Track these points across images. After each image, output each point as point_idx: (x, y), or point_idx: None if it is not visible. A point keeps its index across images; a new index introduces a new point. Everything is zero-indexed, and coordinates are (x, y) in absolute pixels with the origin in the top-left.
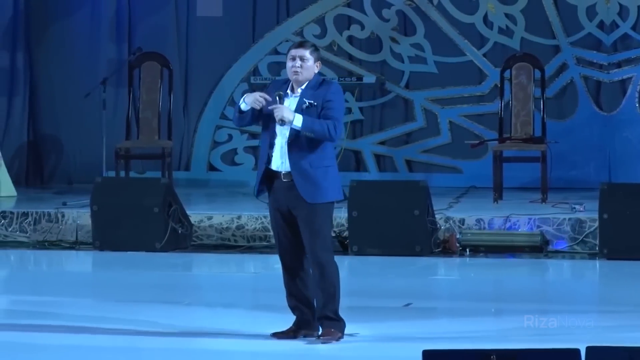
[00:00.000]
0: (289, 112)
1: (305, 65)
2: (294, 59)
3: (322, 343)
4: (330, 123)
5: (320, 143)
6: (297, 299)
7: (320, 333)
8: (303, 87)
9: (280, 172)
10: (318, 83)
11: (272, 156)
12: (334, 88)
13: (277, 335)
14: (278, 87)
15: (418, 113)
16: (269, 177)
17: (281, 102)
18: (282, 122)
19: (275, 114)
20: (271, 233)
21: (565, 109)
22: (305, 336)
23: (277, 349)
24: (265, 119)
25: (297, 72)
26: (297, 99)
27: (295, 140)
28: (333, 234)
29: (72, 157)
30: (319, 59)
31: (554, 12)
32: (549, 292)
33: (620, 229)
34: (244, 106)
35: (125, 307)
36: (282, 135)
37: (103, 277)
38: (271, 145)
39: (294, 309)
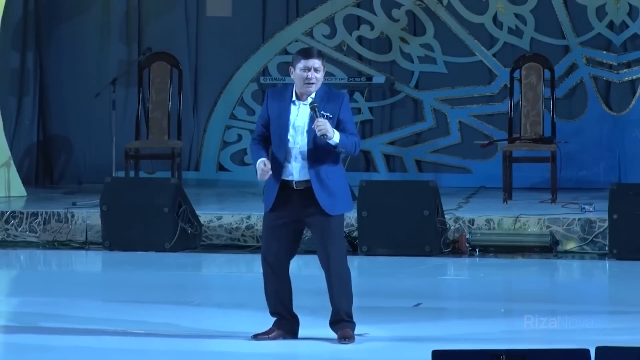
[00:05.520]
0: (331, 127)
1: (319, 76)
2: (308, 69)
3: (342, 343)
4: (357, 140)
5: (336, 154)
6: (282, 303)
7: (338, 334)
8: (312, 95)
9: (293, 180)
10: (326, 93)
11: (286, 167)
12: (345, 100)
13: (258, 337)
14: (278, 96)
15: (427, 113)
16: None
17: (317, 113)
18: (324, 137)
19: (319, 129)
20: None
21: (575, 109)
22: (284, 338)
23: (287, 350)
24: (276, 131)
25: (312, 84)
26: (306, 106)
27: (314, 151)
28: (343, 234)
29: (82, 157)
30: (325, 67)
31: (563, 13)
32: (559, 293)
33: (630, 229)
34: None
35: (134, 308)
36: (294, 145)
37: (112, 277)
38: (286, 157)
39: (275, 313)
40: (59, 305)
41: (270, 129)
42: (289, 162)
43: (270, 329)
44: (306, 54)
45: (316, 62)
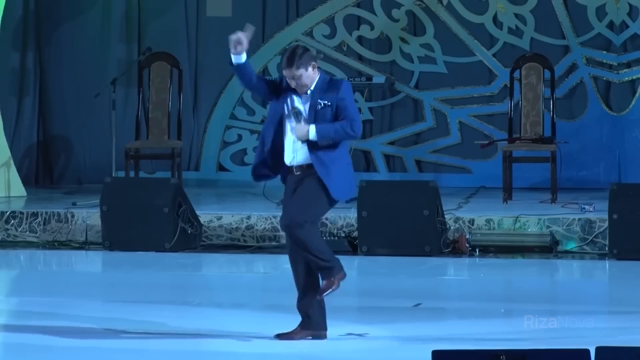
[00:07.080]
0: (306, 132)
1: (301, 81)
2: (291, 78)
3: (322, 295)
4: (346, 123)
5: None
6: (309, 298)
7: (320, 289)
8: (312, 87)
9: (293, 165)
10: (326, 83)
11: (283, 150)
12: (344, 86)
13: (281, 337)
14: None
15: (427, 113)
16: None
17: (298, 119)
18: (302, 142)
19: (295, 134)
20: (281, 233)
21: (575, 109)
22: (312, 337)
23: (286, 350)
24: (275, 113)
25: (300, 89)
26: (308, 98)
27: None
28: (342, 234)
29: (82, 157)
30: (311, 61)
31: (563, 13)
32: (559, 293)
33: (630, 229)
34: (233, 59)
35: (134, 308)
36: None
37: (112, 277)
38: (283, 139)
39: (302, 310)
40: (59, 305)
41: (270, 100)
42: (287, 146)
43: (295, 329)
44: (283, 63)
45: (291, 72)
